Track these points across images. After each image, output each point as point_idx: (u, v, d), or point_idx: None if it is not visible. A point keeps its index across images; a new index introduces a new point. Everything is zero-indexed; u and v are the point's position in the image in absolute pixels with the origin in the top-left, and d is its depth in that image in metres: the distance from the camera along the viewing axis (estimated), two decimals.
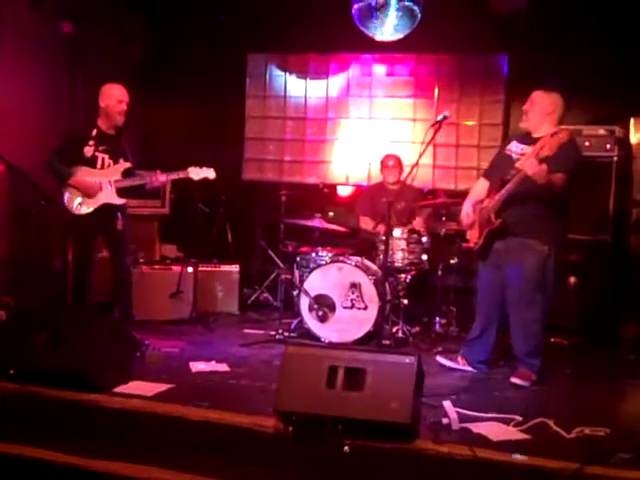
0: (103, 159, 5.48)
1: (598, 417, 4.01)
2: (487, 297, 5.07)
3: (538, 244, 4.76)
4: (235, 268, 7.06)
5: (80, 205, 5.42)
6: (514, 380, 4.77)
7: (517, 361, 4.89)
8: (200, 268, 6.65)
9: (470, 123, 7.53)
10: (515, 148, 4.96)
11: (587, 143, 6.39)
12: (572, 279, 6.25)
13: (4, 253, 6.38)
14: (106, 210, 5.45)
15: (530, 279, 4.76)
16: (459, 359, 5.15)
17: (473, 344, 5.13)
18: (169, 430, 3.89)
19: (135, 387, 4.31)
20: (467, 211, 5.07)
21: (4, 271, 6.31)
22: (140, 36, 8.03)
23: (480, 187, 5.17)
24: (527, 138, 4.92)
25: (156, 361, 5.11)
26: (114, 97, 5.46)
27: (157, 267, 6.74)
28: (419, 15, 6.15)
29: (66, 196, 5.43)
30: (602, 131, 6.52)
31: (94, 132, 5.46)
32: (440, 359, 5.20)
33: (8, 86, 6.25)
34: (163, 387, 4.34)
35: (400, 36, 6.31)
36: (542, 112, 4.88)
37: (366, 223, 6.63)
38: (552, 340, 5.97)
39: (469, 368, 5.09)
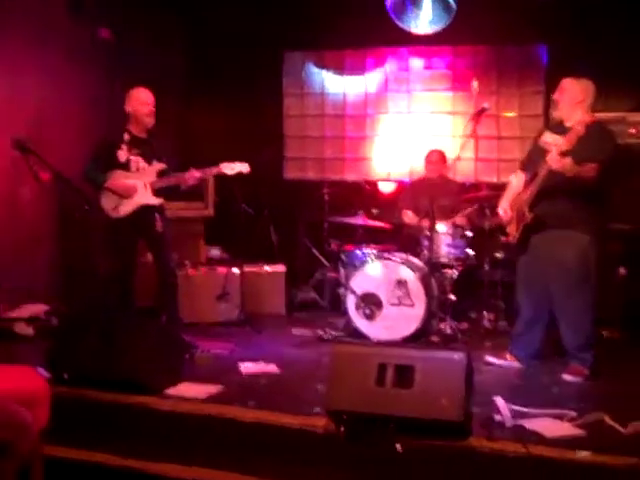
0: (137, 162, 5.53)
1: None
2: (526, 291, 5.01)
3: (577, 234, 4.70)
4: (281, 268, 7.04)
5: (117, 208, 5.48)
6: (566, 377, 4.70)
7: (568, 356, 4.83)
8: (246, 269, 6.66)
9: (510, 115, 7.45)
10: (548, 139, 4.86)
11: (632, 130, 6.29)
12: (621, 270, 6.14)
13: (54, 259, 6.49)
14: (144, 212, 5.50)
15: (572, 270, 4.69)
16: (507, 355, 5.09)
17: (519, 339, 5.08)
18: (220, 431, 3.93)
19: (185, 389, 4.36)
20: (504, 207, 5.02)
21: (54, 276, 6.42)
22: (179, 39, 8.10)
23: (517, 180, 5.10)
24: (559, 128, 4.83)
25: (205, 363, 5.13)
26: (140, 100, 5.51)
27: (203, 269, 6.76)
28: (454, 6, 6.10)
29: (103, 201, 5.50)
30: None
31: (126, 137, 5.52)
32: (488, 358, 5.13)
33: (52, 94, 6.35)
34: (213, 389, 4.37)
35: (436, 29, 6.27)
36: (573, 100, 4.80)
37: (409, 217, 6.59)
38: (603, 333, 5.87)
39: (518, 364, 5.02)
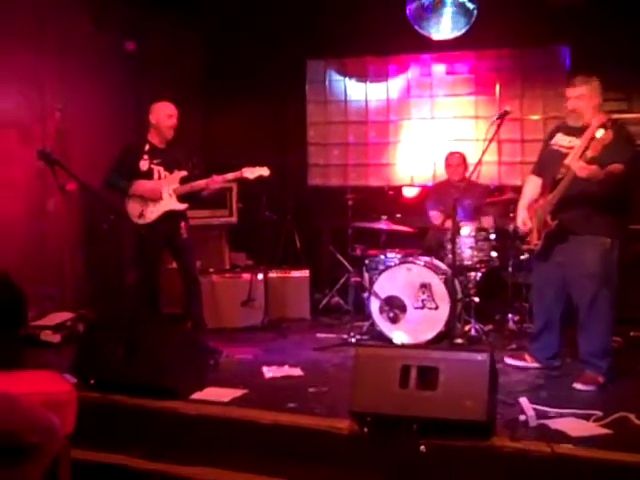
0: (159, 171, 5.62)
1: None
2: (544, 294, 4.90)
3: (600, 238, 4.57)
4: (305, 273, 7.06)
5: (143, 215, 5.56)
6: (577, 385, 4.52)
7: (582, 363, 4.67)
8: (270, 275, 6.69)
9: (535, 117, 7.42)
10: (562, 141, 4.76)
11: None
12: None
13: (80, 267, 6.57)
14: (170, 218, 5.59)
15: (596, 276, 4.56)
16: (526, 357, 5.04)
17: (537, 341, 5.01)
18: (245, 434, 3.94)
19: (211, 393, 4.39)
20: (523, 218, 4.88)
21: (82, 285, 6.49)
22: (201, 48, 8.18)
23: (532, 186, 4.97)
24: (572, 129, 4.71)
25: (230, 368, 5.16)
26: (165, 112, 5.61)
27: (227, 275, 6.81)
28: (474, 11, 6.10)
29: (129, 208, 5.58)
30: None
31: (146, 147, 5.61)
32: (508, 360, 5.09)
33: (76, 105, 6.44)
34: (238, 393, 4.40)
35: (457, 34, 6.27)
36: (590, 104, 4.63)
37: (436, 218, 6.56)
38: (631, 334, 5.81)
39: (538, 365, 4.96)
